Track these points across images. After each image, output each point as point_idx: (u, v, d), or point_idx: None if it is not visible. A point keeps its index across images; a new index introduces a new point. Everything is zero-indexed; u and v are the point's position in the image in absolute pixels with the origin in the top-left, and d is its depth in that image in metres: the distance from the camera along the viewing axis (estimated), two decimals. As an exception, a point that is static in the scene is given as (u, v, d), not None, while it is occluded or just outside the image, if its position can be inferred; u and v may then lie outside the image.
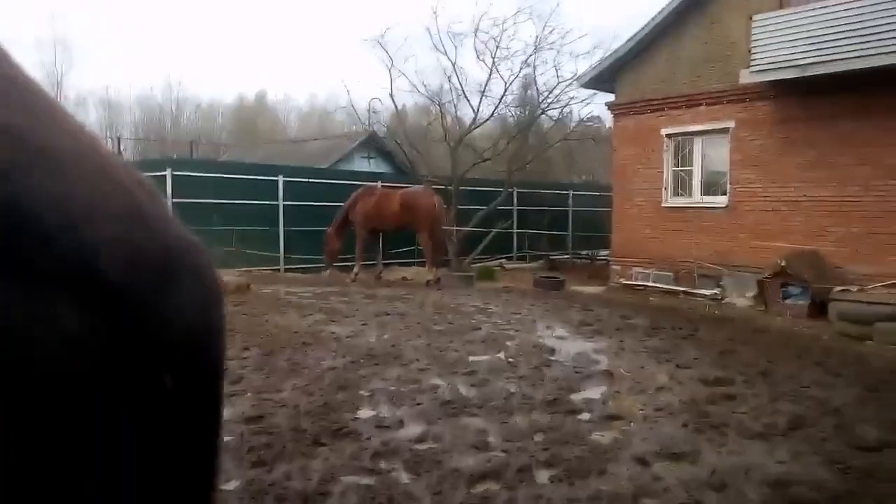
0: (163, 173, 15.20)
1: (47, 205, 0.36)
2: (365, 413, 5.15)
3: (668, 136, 13.87)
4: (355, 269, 14.45)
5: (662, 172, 13.97)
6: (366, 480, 3.87)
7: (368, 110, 22.34)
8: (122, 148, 34.91)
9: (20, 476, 0.35)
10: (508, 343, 7.85)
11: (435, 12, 21.56)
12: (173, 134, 44.99)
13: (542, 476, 3.98)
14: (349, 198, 14.66)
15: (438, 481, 3.86)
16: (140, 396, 0.39)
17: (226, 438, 4.47)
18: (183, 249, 0.44)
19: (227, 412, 5.05)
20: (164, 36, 70.38)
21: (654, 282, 13.51)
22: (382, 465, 4.11)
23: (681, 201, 13.77)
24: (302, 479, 3.84)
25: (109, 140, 41.75)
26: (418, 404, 5.39)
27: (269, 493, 3.62)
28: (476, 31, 17.62)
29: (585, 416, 5.18)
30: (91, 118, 47.08)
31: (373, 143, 25.05)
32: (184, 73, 76.63)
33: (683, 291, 12.81)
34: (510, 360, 6.99)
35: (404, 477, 3.94)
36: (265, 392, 5.60)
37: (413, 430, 4.79)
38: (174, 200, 14.96)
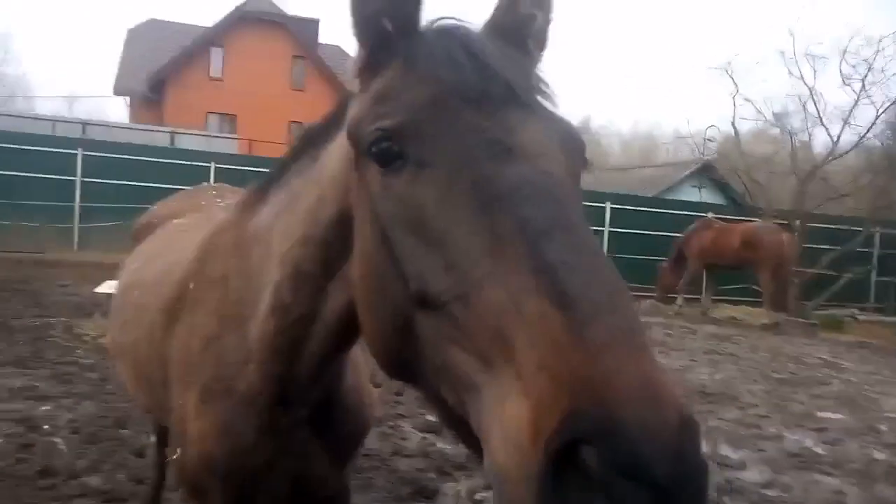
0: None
1: None
2: (703, 448, 5.14)
3: None
4: (679, 302, 14.09)
5: None
6: (712, 512, 3.94)
7: (704, 138, 21.55)
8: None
9: None
10: (867, 404, 6.98)
11: (791, 33, 19.72)
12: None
13: (920, 556, 3.58)
14: (685, 231, 14.31)
15: (793, 531, 3.75)
16: None
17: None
18: None
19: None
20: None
21: None
22: (728, 501, 4.12)
23: None
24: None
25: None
26: (761, 450, 5.19)
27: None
28: (844, 52, 15.80)
29: (978, 503, 4.43)
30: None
31: (705, 173, 24.07)
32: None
33: None
34: (870, 423, 6.23)
35: (753, 518, 3.91)
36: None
37: (757, 474, 4.65)
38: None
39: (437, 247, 0.92)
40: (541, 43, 1.24)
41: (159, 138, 20.67)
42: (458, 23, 1.13)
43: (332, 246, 1.27)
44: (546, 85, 1.14)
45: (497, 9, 1.22)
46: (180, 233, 2.23)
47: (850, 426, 6.09)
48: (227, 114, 27.73)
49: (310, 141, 1.47)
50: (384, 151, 1.00)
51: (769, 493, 4.32)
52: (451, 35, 1.09)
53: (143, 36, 28.99)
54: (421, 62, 1.05)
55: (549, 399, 0.72)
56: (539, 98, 1.09)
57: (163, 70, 26.42)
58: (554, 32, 1.26)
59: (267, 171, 1.71)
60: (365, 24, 1.11)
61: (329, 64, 28.30)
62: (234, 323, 1.52)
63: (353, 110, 1.15)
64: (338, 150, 1.30)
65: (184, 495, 1.68)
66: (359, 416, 1.69)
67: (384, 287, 1.02)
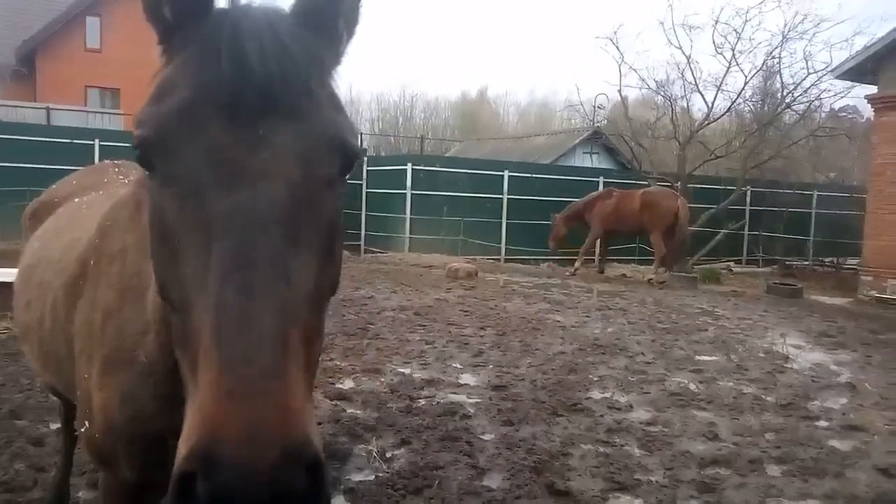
0: (404, 167, 16.98)
1: None
2: (596, 395, 5.60)
3: (943, 132, 12.20)
4: (577, 265, 14.81)
5: (933, 174, 12.34)
6: (602, 449, 4.34)
7: (594, 106, 22.44)
8: (362, 143, 39.13)
9: None
10: (738, 346, 7.75)
11: (670, 5, 20.80)
12: (404, 129, 48.88)
13: (774, 470, 4.12)
14: (585, 197, 15.03)
15: (670, 459, 4.21)
16: None
17: (478, 401, 5.23)
18: None
19: (475, 380, 5.84)
20: (400, 36, 76.37)
21: (915, 297, 12.03)
22: (616, 439, 4.55)
23: (955, 207, 12.06)
24: (546, 440, 4.43)
25: (353, 135, 46.67)
26: (646, 393, 5.71)
27: (520, 447, 4.26)
28: (716, 22, 16.87)
29: (822, 423, 5.10)
30: (337, 115, 53.12)
31: (596, 139, 25.09)
32: (415, 72, 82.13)
33: (952, 310, 11.27)
34: (740, 362, 6.95)
35: (637, 452, 4.34)
36: (504, 366, 6.31)
37: (643, 414, 5.14)
38: (412, 192, 16.73)
39: (171, 260, 1.00)
40: (351, 21, 1.21)
41: (33, 115, 19.17)
42: (251, 3, 1.10)
43: None
44: (327, 74, 1.13)
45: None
46: (82, 210, 2.23)
47: (722, 366, 6.78)
48: (109, 88, 25.99)
49: None
50: (141, 159, 1.04)
51: (652, 429, 4.80)
52: (226, 25, 1.03)
53: (6, 3, 26.51)
54: (190, 59, 1.03)
55: (190, 434, 0.84)
56: (305, 97, 1.03)
57: (31, 41, 24.33)
58: (367, 11, 1.20)
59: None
60: (149, 10, 1.09)
61: (217, 34, 27.00)
62: (133, 296, 1.58)
63: None
64: None
65: (95, 465, 1.74)
66: None
67: (151, 269, 1.13)
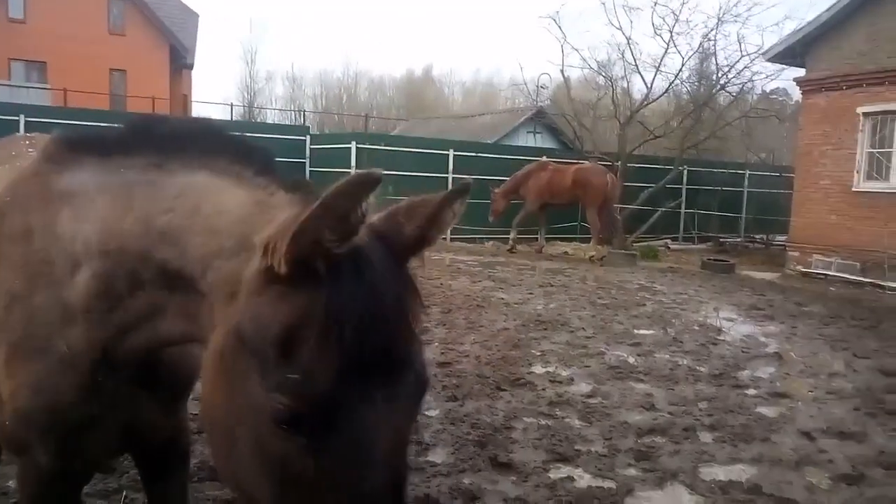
0: (348, 146, 16.77)
1: None
2: (538, 369, 5.73)
3: (865, 114, 12.85)
4: (512, 235, 14.96)
5: (855, 154, 12.99)
6: (544, 422, 4.45)
7: (537, 86, 22.61)
8: (305, 120, 38.49)
9: None
10: (674, 320, 8.04)
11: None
12: (348, 107, 48.16)
13: (706, 437, 4.32)
14: (521, 170, 15.12)
15: (609, 430, 4.35)
16: None
17: (423, 377, 5.27)
18: None
19: (420, 357, 5.87)
20: (343, 13, 74.95)
21: (837, 271, 12.72)
22: (557, 412, 4.67)
23: (875, 186, 12.76)
24: (490, 414, 4.52)
25: (293, 113, 45.91)
26: (587, 366, 5.87)
27: (464, 422, 4.33)
28: (655, 3, 17.19)
29: (751, 391, 5.37)
30: (278, 91, 52.05)
31: (539, 119, 25.33)
32: (359, 49, 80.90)
33: (870, 283, 11.96)
34: (675, 335, 7.22)
35: (577, 423, 4.48)
36: (449, 343, 6.37)
37: (583, 387, 5.29)
38: (358, 171, 16.51)
39: (305, 499, 1.05)
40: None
41: (-51, 89, 18.05)
42: (372, 253, 1.09)
43: (176, 281, 1.32)
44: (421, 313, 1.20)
45: (399, 223, 1.17)
46: None
47: (659, 339, 7.02)
48: (35, 60, 24.68)
49: (160, 138, 1.46)
50: (282, 420, 1.02)
51: (592, 401, 4.95)
52: (363, 285, 1.05)
53: (-86, -33, 24.72)
54: (334, 321, 1.01)
55: None
56: (420, 354, 1.14)
57: (-55, 9, 22.85)
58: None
59: (88, 124, 1.63)
60: (296, 259, 1.03)
61: (151, 5, 25.99)
62: (43, 282, 1.48)
63: (250, 302, 1.10)
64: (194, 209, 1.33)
65: (7, 455, 1.67)
66: (185, 366, 1.69)
67: (248, 472, 1.10)
